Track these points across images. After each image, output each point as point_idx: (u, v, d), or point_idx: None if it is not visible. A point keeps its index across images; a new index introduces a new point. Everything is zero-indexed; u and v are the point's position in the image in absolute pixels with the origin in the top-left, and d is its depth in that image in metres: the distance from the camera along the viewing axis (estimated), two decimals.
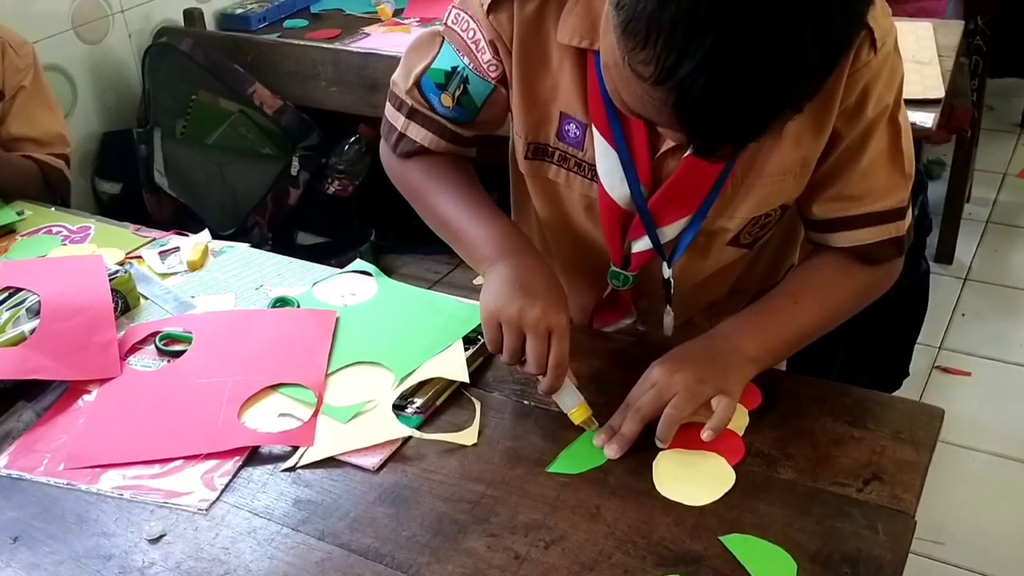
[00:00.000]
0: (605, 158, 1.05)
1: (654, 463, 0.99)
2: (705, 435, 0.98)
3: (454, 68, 1.12)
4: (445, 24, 1.13)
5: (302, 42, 2.24)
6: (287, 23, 2.47)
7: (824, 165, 1.05)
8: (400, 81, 1.19)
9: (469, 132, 1.18)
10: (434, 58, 1.14)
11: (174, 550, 0.94)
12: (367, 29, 2.36)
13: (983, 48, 2.76)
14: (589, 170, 1.08)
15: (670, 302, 1.14)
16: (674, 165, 1.04)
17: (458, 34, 1.10)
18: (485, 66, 1.10)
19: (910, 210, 1.10)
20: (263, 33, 2.40)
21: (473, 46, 1.09)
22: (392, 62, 2.10)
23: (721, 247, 1.12)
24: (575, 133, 1.07)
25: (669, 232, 1.08)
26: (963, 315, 2.79)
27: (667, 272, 1.12)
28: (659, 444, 1.00)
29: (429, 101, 1.16)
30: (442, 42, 1.13)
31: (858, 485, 0.95)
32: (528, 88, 1.07)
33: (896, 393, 2.24)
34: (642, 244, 1.09)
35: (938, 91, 1.90)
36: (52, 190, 1.79)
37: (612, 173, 1.05)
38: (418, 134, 1.19)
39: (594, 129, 1.04)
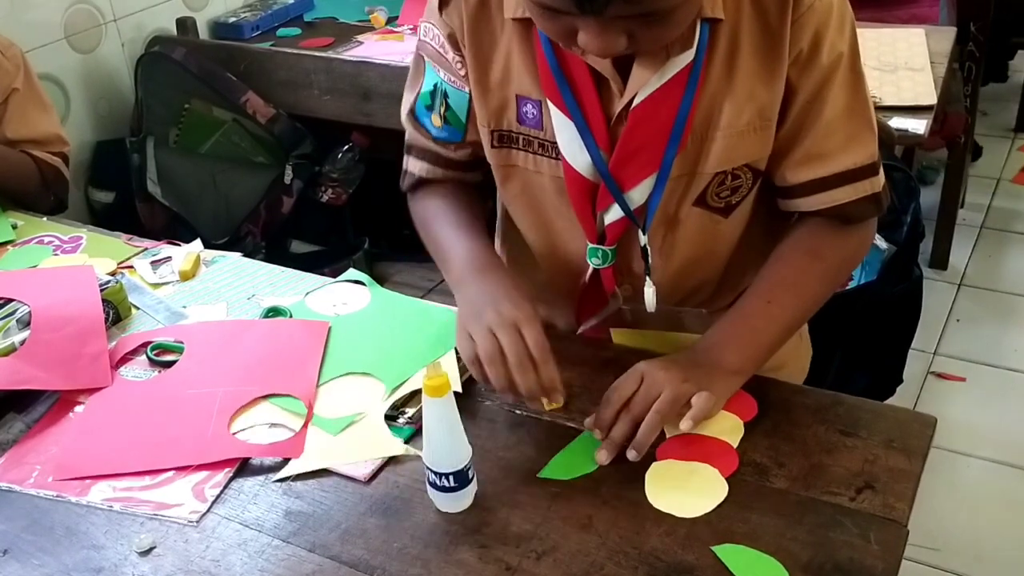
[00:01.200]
0: (563, 129, 1.05)
1: (647, 474, 0.99)
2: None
3: (435, 85, 1.15)
4: (419, 40, 1.15)
5: (295, 50, 2.24)
6: (280, 31, 2.46)
7: (786, 123, 1.05)
8: (403, 115, 1.21)
9: (463, 154, 1.18)
10: (422, 83, 1.17)
11: (164, 563, 0.94)
12: (360, 37, 2.36)
13: (976, 54, 2.77)
14: (552, 149, 1.08)
15: (649, 273, 1.13)
16: None
17: (430, 45, 1.13)
18: (453, 66, 1.11)
19: (881, 167, 1.09)
20: (256, 42, 2.40)
21: (441, 50, 1.11)
22: (385, 70, 2.11)
23: (688, 207, 1.10)
24: (532, 113, 1.08)
25: (636, 197, 1.07)
26: (958, 321, 2.79)
27: (643, 239, 1.10)
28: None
29: (424, 127, 1.18)
30: (423, 63, 1.15)
31: (850, 494, 0.95)
32: (482, 76, 1.09)
33: (891, 399, 2.25)
34: (614, 214, 1.09)
35: (930, 98, 1.91)
36: (48, 189, 1.79)
37: (571, 143, 1.06)
38: (415, 167, 1.22)
39: (549, 104, 1.05)
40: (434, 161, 1.20)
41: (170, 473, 1.04)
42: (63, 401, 1.15)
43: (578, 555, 0.91)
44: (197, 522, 0.98)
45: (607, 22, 0.88)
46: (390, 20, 2.46)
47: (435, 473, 0.94)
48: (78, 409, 1.14)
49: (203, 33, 2.47)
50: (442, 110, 1.15)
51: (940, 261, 3.00)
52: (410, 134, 1.22)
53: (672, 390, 1.00)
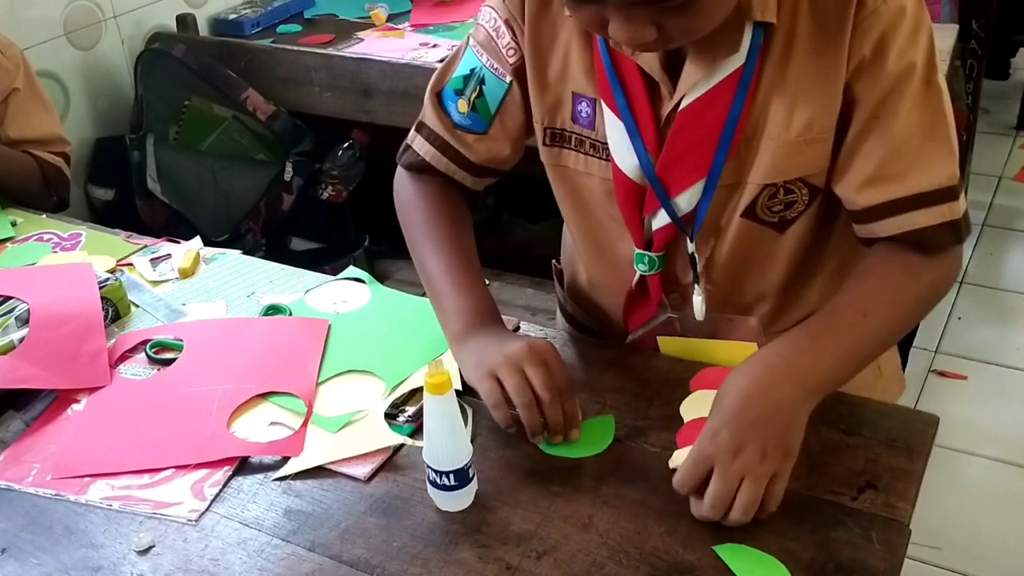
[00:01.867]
0: (613, 130, 1.04)
1: (682, 405, 1.00)
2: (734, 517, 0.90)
3: (472, 70, 1.13)
4: (477, 23, 1.14)
5: (295, 47, 2.24)
6: (280, 28, 2.46)
7: (850, 136, 0.99)
8: (427, 91, 1.19)
9: (479, 151, 1.15)
10: (457, 65, 1.15)
11: (163, 561, 0.93)
12: (361, 34, 2.35)
13: (978, 51, 2.76)
14: (603, 150, 1.07)
15: (698, 281, 1.08)
16: None
17: (483, 28, 1.12)
18: (503, 53, 1.09)
19: (963, 192, 1.00)
20: (256, 38, 2.39)
21: (494, 34, 1.10)
22: (385, 67, 2.10)
23: (737, 219, 1.05)
24: (587, 112, 1.06)
25: (683, 204, 1.04)
26: (959, 319, 2.78)
27: (691, 247, 1.07)
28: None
29: (447, 110, 1.16)
30: (466, 46, 1.14)
31: (852, 493, 0.94)
32: (540, 70, 1.08)
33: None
34: (661, 219, 1.06)
35: None
36: (50, 188, 1.79)
37: (620, 144, 1.04)
38: (422, 147, 1.19)
39: (602, 103, 1.04)
40: (443, 150, 1.17)
41: (169, 472, 1.04)
42: (62, 399, 1.15)
43: (579, 555, 0.90)
44: (196, 521, 0.98)
45: (629, 10, 0.86)
46: (391, 17, 2.45)
47: (435, 471, 0.94)
48: (77, 407, 1.14)
49: (203, 30, 2.46)
50: (473, 96, 1.13)
51: None
52: (427, 114, 1.18)
53: (751, 487, 0.89)
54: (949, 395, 2.49)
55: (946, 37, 2.13)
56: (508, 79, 1.10)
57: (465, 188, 1.20)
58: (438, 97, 1.17)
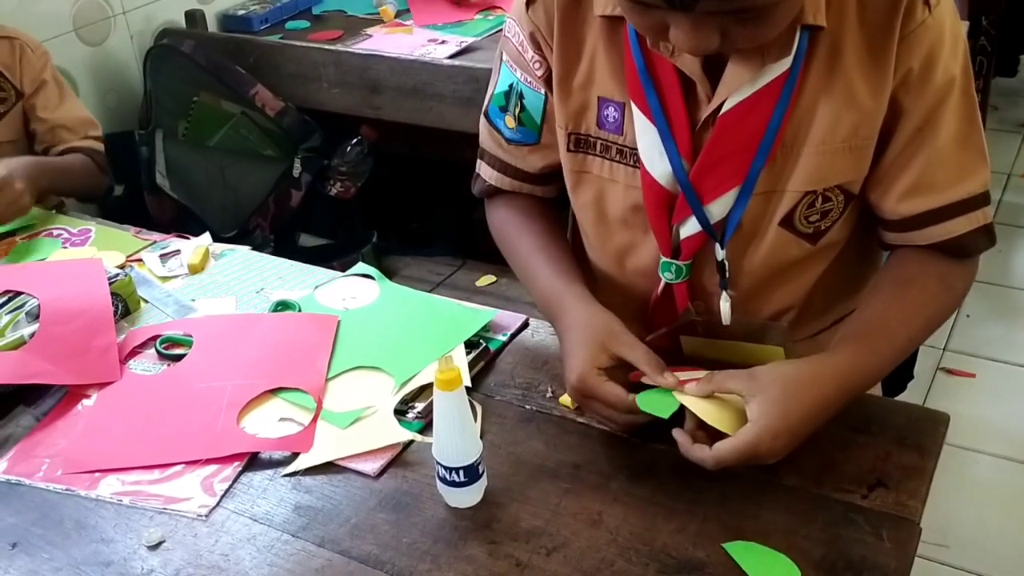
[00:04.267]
0: (644, 134, 1.02)
1: (680, 396, 0.95)
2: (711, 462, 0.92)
3: (510, 85, 1.14)
4: (503, 36, 1.14)
5: (304, 43, 2.23)
6: (289, 24, 2.45)
7: (894, 148, 1.00)
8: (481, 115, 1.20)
9: (536, 161, 1.16)
10: (496, 82, 1.16)
11: (173, 557, 0.94)
12: (369, 30, 2.35)
13: (988, 49, 2.75)
14: (631, 156, 1.05)
15: (726, 288, 1.06)
16: None
17: (511, 43, 1.12)
18: (531, 66, 1.10)
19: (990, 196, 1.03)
20: (265, 34, 2.39)
21: (520, 48, 1.10)
22: (394, 63, 2.10)
23: (774, 228, 1.04)
24: (614, 117, 1.05)
25: (716, 211, 1.02)
26: (968, 316, 2.77)
27: (720, 254, 1.05)
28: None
29: (498, 128, 1.17)
30: (500, 62, 1.15)
31: (863, 491, 0.94)
32: (566, 75, 1.07)
33: (900, 396, 2.24)
34: (690, 227, 1.04)
35: None
36: (105, 173, 1.85)
37: (652, 148, 1.02)
38: (487, 173, 1.21)
39: (633, 107, 1.02)
40: (504, 170, 1.19)
41: (179, 467, 1.04)
42: (72, 395, 1.15)
43: (588, 551, 0.90)
44: (206, 516, 0.98)
45: (699, 18, 0.84)
46: (399, 13, 2.45)
47: (445, 468, 0.94)
48: (87, 402, 1.14)
49: (212, 26, 2.46)
50: (517, 111, 1.14)
51: None
52: (483, 136, 1.21)
53: (770, 462, 0.92)
54: (957, 393, 2.48)
55: None
56: (542, 90, 1.10)
57: (540, 198, 1.21)
58: (487, 117, 1.19)
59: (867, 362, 0.98)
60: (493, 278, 2.27)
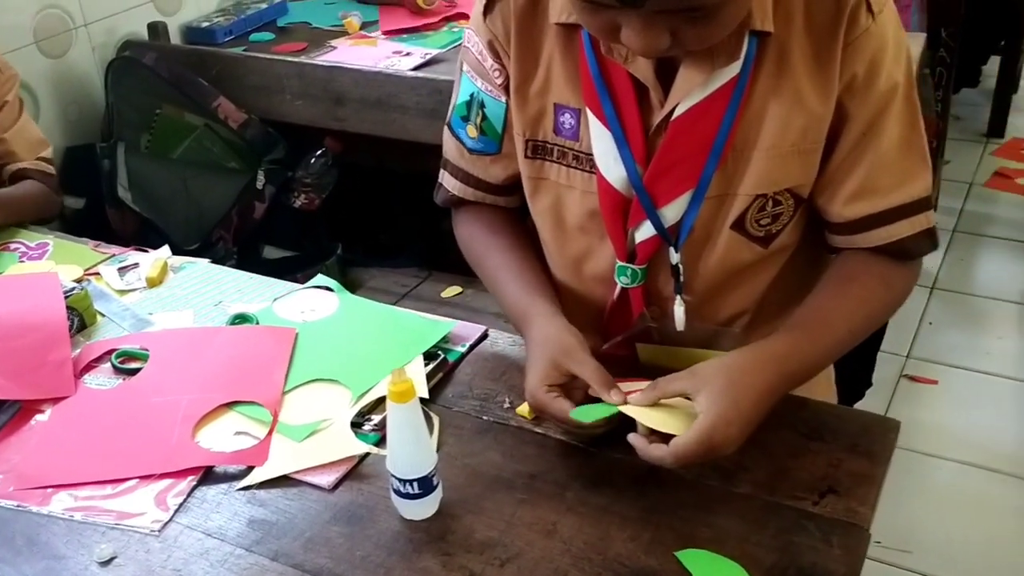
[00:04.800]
0: (600, 140, 1.03)
1: (625, 408, 0.95)
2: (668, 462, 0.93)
3: (471, 95, 1.14)
4: (462, 47, 1.15)
5: (267, 55, 2.23)
6: (253, 36, 2.45)
7: (839, 154, 1.02)
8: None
9: (498, 171, 1.17)
10: (458, 93, 1.16)
11: (125, 573, 0.93)
12: (334, 42, 2.35)
13: (947, 60, 2.79)
14: (587, 162, 1.06)
15: (680, 292, 1.08)
16: None
17: (470, 52, 1.13)
18: (491, 74, 1.10)
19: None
20: (229, 47, 2.38)
21: (479, 57, 1.11)
22: (357, 75, 2.10)
23: (726, 231, 1.05)
24: (570, 123, 1.06)
25: (670, 215, 1.04)
26: (930, 324, 2.80)
27: (675, 258, 1.06)
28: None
29: (460, 138, 1.18)
30: (461, 73, 1.15)
31: (814, 498, 0.95)
32: (523, 82, 1.08)
33: (865, 401, 2.25)
34: (645, 231, 1.06)
35: None
36: (58, 194, 1.80)
37: (607, 154, 1.03)
38: (449, 183, 1.22)
39: (588, 113, 1.03)
40: (466, 180, 1.19)
41: (133, 482, 1.03)
42: (26, 410, 1.14)
43: (542, 562, 0.90)
44: (159, 531, 0.97)
45: (649, 18, 0.86)
46: (364, 25, 2.45)
47: (399, 480, 0.94)
48: (41, 418, 1.13)
49: (175, 38, 2.45)
50: (478, 120, 1.14)
51: None
52: (446, 147, 1.21)
53: (719, 458, 0.94)
54: (920, 400, 2.51)
55: (915, 45, 2.15)
56: (503, 98, 1.11)
57: (503, 208, 1.21)
58: (450, 128, 1.19)
59: (805, 350, 1.00)
60: (459, 289, 2.27)
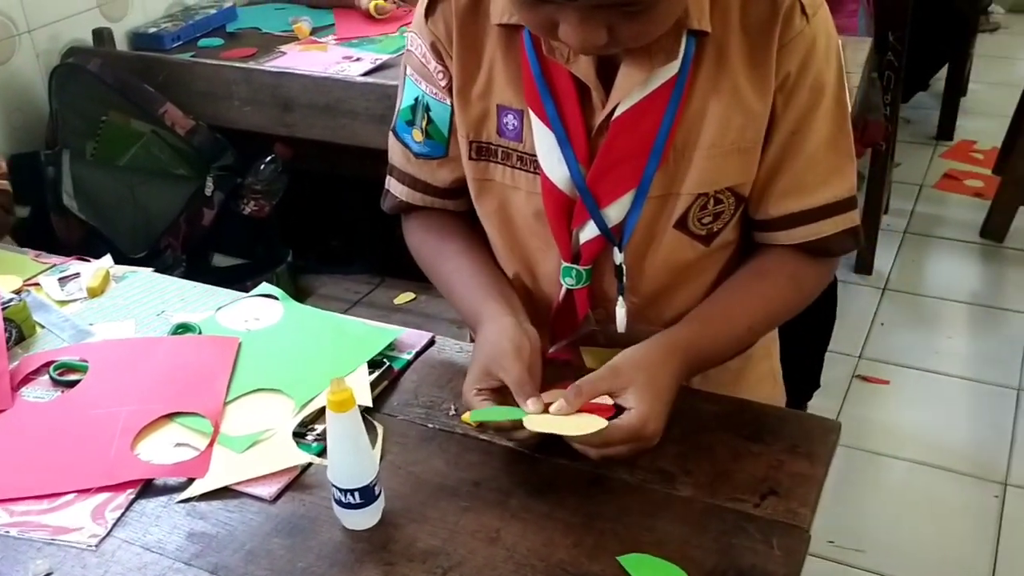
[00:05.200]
0: (543, 140, 1.03)
1: (526, 419, 0.95)
2: (594, 453, 0.96)
3: (416, 99, 1.13)
4: (406, 51, 1.14)
5: (214, 61, 2.21)
6: (202, 42, 2.42)
7: (769, 152, 1.03)
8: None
9: (445, 175, 1.16)
10: (402, 97, 1.15)
11: None
12: (283, 48, 2.33)
13: (895, 63, 2.83)
14: (531, 163, 1.06)
15: (623, 293, 1.09)
16: None
17: (414, 56, 1.12)
18: (435, 76, 1.10)
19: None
20: (177, 52, 2.35)
21: (423, 60, 1.10)
22: (306, 81, 2.09)
23: (670, 230, 1.06)
24: (513, 124, 1.06)
25: (614, 214, 1.04)
26: (882, 325, 2.84)
27: (618, 258, 1.07)
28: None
29: (405, 143, 1.17)
30: (405, 77, 1.14)
31: (755, 500, 0.95)
32: (466, 84, 1.07)
33: (819, 402, 2.28)
34: (589, 231, 1.06)
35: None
36: (10, 213, 1.74)
37: (550, 154, 1.03)
38: (396, 189, 1.21)
39: (530, 113, 1.03)
40: (413, 185, 1.18)
41: (70, 496, 1.01)
42: None
43: (485, 569, 0.90)
44: (96, 546, 0.95)
45: (586, 13, 0.86)
46: (315, 31, 2.44)
47: (340, 490, 0.93)
48: None
49: (121, 44, 2.42)
50: (424, 124, 1.13)
51: (865, 266, 3.05)
52: (392, 152, 1.20)
53: (650, 447, 0.97)
54: (872, 399, 2.54)
55: (859, 50, 2.18)
56: (448, 101, 1.10)
57: (452, 212, 1.20)
58: (395, 133, 1.18)
59: (702, 345, 1.04)
60: (412, 295, 2.26)
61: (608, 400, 0.97)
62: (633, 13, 0.87)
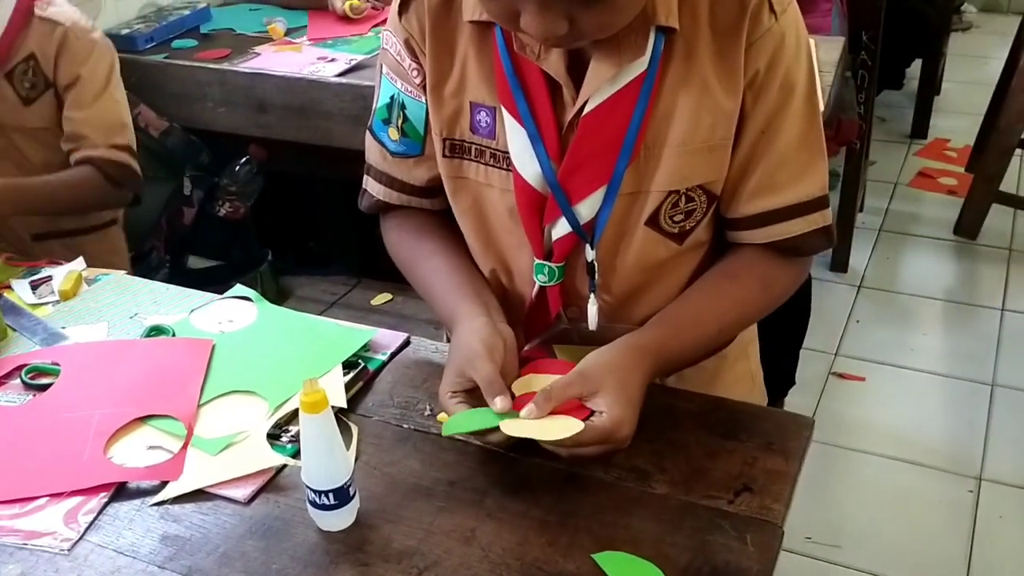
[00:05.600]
0: (515, 137, 1.03)
1: (501, 424, 0.95)
2: (564, 453, 0.96)
3: (392, 97, 1.13)
4: (381, 49, 1.14)
5: (188, 62, 2.20)
6: (175, 43, 2.41)
7: (739, 151, 1.03)
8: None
9: (422, 174, 1.15)
10: (378, 96, 1.15)
11: None
12: (258, 49, 2.32)
13: (868, 62, 2.85)
14: (504, 160, 1.06)
15: (595, 290, 1.09)
16: None
17: (389, 54, 1.12)
18: (410, 74, 1.09)
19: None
20: (150, 54, 2.34)
21: (398, 58, 1.10)
22: (280, 82, 2.08)
23: (641, 228, 1.06)
24: (486, 122, 1.06)
25: (585, 211, 1.04)
26: (858, 322, 2.86)
27: (590, 255, 1.07)
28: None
29: (382, 141, 1.16)
30: (380, 75, 1.14)
31: (729, 497, 0.96)
32: (439, 81, 1.07)
33: (795, 400, 2.30)
34: (561, 228, 1.06)
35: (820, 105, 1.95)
36: (121, 187, 1.77)
37: (523, 152, 1.03)
38: (373, 188, 1.20)
39: (503, 110, 1.03)
40: (390, 184, 1.18)
41: (42, 500, 1.00)
42: None
43: (460, 569, 0.90)
44: (69, 551, 0.95)
45: (545, 2, 0.87)
46: (289, 31, 2.43)
47: (314, 491, 0.93)
48: None
49: None
50: (400, 122, 1.13)
51: (840, 264, 3.07)
52: (369, 152, 1.19)
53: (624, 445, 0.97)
54: (848, 396, 2.56)
55: (833, 49, 2.19)
56: (423, 98, 1.10)
57: (429, 211, 1.20)
58: (371, 132, 1.18)
59: (671, 347, 1.04)
60: (389, 296, 2.26)
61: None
62: (592, 3, 0.87)
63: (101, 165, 1.74)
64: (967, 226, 3.25)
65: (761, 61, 0.99)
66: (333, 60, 2.18)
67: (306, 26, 2.49)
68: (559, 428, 0.94)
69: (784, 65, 1.00)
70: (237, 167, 2.17)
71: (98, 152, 1.74)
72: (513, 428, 0.95)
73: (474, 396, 1.00)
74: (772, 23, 0.98)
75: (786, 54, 1.00)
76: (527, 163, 1.04)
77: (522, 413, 0.95)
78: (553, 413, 0.96)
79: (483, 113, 1.06)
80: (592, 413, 0.96)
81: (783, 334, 2.00)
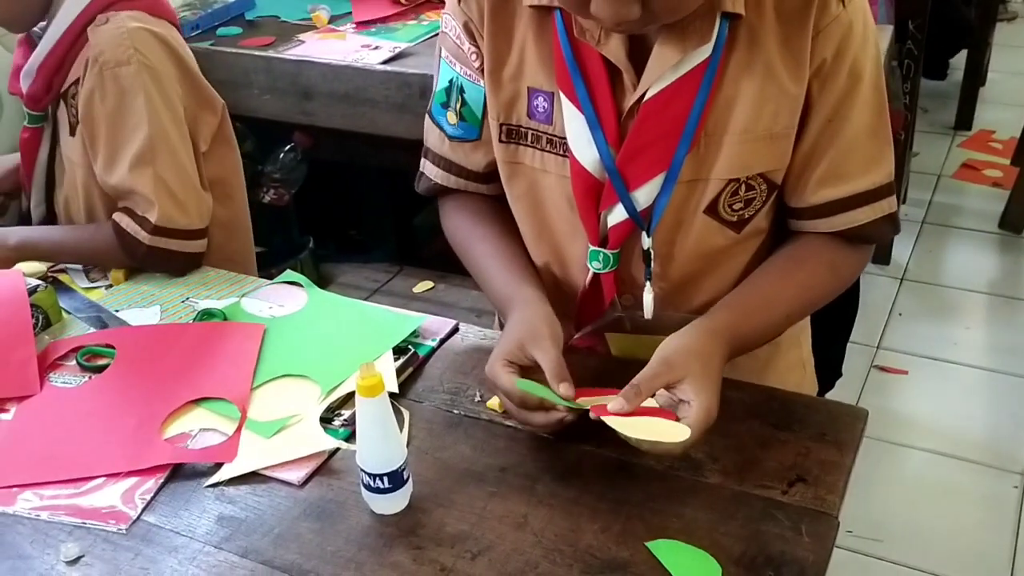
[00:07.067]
0: (572, 122, 1.03)
1: (608, 419, 0.93)
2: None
3: (450, 81, 1.13)
4: (440, 33, 1.14)
5: (234, 49, 2.21)
6: (220, 31, 2.42)
7: (806, 140, 1.03)
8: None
9: (479, 158, 1.16)
10: (438, 80, 1.16)
11: (92, 572, 0.92)
12: (302, 36, 2.33)
13: (914, 52, 2.81)
14: (560, 145, 1.06)
15: (650, 278, 1.08)
16: None
17: (448, 37, 1.12)
18: (469, 58, 1.10)
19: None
20: (196, 41, 2.35)
21: (457, 41, 1.10)
22: (325, 69, 2.09)
23: (699, 216, 1.05)
24: (544, 107, 1.06)
25: (642, 198, 1.03)
26: (900, 315, 2.83)
27: (647, 243, 1.06)
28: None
29: (441, 125, 1.17)
30: (440, 59, 1.15)
31: (783, 487, 0.95)
32: (497, 66, 1.07)
33: (837, 392, 2.27)
34: (617, 215, 1.05)
35: None
36: (131, 255, 1.38)
37: (580, 137, 1.03)
38: (431, 171, 1.21)
39: (561, 96, 1.03)
40: (448, 168, 1.18)
41: (100, 480, 1.02)
42: None
43: (513, 554, 0.90)
44: (126, 530, 0.96)
45: None
46: (333, 19, 2.43)
47: (369, 475, 0.93)
48: (5, 417, 1.11)
49: None
50: (458, 106, 1.13)
51: (883, 256, 3.04)
52: (427, 135, 1.20)
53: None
54: (890, 390, 2.53)
55: (882, 38, 2.17)
56: (481, 82, 1.10)
57: (487, 196, 1.20)
58: (431, 115, 1.18)
59: (743, 332, 1.03)
60: (430, 284, 2.27)
61: (654, 402, 0.96)
62: None
63: (117, 232, 1.40)
64: (1013, 220, 3.20)
65: (828, 49, 0.98)
66: (377, 48, 2.18)
67: (350, 13, 2.49)
68: (664, 431, 0.91)
69: (852, 53, 0.99)
70: (281, 154, 2.18)
71: (118, 218, 1.40)
72: (617, 423, 0.92)
73: (526, 373, 0.99)
74: (840, 11, 0.96)
75: (854, 42, 0.98)
76: (585, 149, 1.04)
77: (611, 406, 0.93)
78: (636, 413, 0.94)
79: (541, 98, 1.06)
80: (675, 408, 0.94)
81: (832, 324, 1.98)
